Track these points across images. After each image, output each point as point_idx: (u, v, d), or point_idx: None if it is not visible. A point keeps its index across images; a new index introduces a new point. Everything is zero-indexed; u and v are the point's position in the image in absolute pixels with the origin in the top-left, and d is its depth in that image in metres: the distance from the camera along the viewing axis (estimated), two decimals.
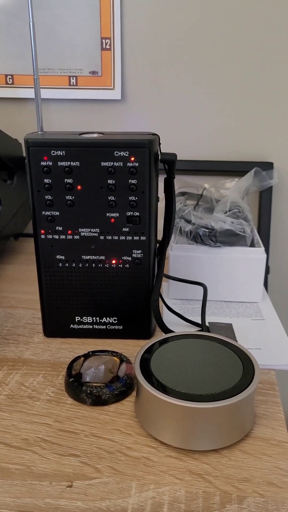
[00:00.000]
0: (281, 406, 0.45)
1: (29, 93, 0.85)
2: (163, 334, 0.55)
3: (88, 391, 0.45)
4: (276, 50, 0.81)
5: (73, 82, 0.83)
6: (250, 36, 0.81)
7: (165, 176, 0.52)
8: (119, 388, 0.46)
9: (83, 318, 0.55)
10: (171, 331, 0.55)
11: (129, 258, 0.52)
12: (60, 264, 0.53)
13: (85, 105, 0.86)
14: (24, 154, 0.49)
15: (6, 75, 0.84)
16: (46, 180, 0.49)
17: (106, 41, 0.81)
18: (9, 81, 0.84)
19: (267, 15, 0.79)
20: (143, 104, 0.86)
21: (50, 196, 0.50)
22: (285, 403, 0.48)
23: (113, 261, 0.53)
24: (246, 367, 0.43)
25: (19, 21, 0.81)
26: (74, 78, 0.83)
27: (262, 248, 0.64)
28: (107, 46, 0.81)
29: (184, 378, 0.41)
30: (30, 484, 0.37)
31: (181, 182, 0.87)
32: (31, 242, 0.86)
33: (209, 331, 0.57)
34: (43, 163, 0.49)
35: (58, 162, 0.49)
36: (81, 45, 0.81)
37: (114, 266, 0.53)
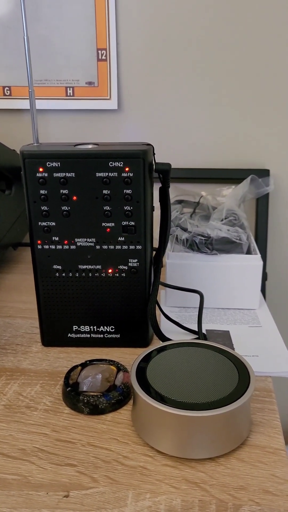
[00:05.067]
0: (278, 413, 0.46)
1: (27, 104, 0.85)
2: (161, 342, 0.56)
3: (85, 401, 0.45)
4: (270, 58, 0.82)
5: (70, 93, 0.84)
6: (244, 44, 0.82)
7: (160, 186, 0.53)
8: (116, 397, 0.46)
9: (81, 327, 0.56)
10: (168, 339, 0.55)
11: (125, 267, 0.53)
12: (57, 274, 0.53)
13: (82, 115, 0.87)
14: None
15: (3, 87, 0.85)
16: (42, 191, 0.50)
17: (102, 52, 0.82)
18: (7, 92, 0.85)
19: (261, 25, 0.80)
20: (140, 114, 0.86)
21: (46, 207, 0.51)
22: (281, 410, 0.48)
23: (110, 270, 0.53)
24: (242, 375, 0.43)
25: (16, 33, 0.82)
26: (71, 88, 0.84)
27: (259, 255, 0.64)
28: (103, 57, 0.82)
29: (180, 387, 0.41)
30: (27, 494, 0.37)
31: (178, 190, 0.87)
32: (29, 251, 0.86)
33: (206, 339, 0.57)
34: (38, 175, 0.49)
35: (54, 174, 0.49)
36: (77, 56, 0.82)
37: (111, 275, 0.53)
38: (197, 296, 0.63)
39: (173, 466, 0.39)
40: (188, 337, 0.58)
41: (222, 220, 0.68)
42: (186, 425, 0.39)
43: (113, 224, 0.51)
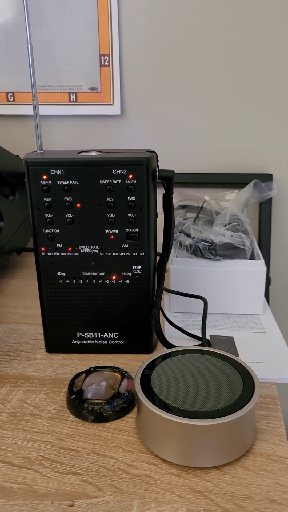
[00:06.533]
0: (283, 420, 0.45)
1: (30, 110, 0.86)
2: (164, 348, 0.56)
3: (90, 408, 0.45)
4: (272, 64, 0.82)
5: (73, 99, 0.85)
6: (247, 49, 0.82)
7: (164, 191, 0.53)
8: (120, 405, 0.46)
9: (85, 333, 0.56)
10: (172, 346, 0.55)
11: (129, 274, 0.53)
12: (61, 281, 0.53)
13: (85, 121, 0.87)
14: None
15: (7, 93, 0.86)
16: (45, 199, 0.50)
17: (105, 58, 0.82)
18: (10, 98, 0.86)
19: (265, 30, 0.80)
20: (143, 119, 0.87)
21: (50, 214, 0.51)
22: (286, 418, 0.48)
23: (113, 277, 0.53)
24: (246, 382, 0.43)
25: (19, 39, 0.83)
26: (74, 94, 0.84)
27: (262, 261, 0.64)
28: (106, 63, 0.82)
29: (184, 395, 0.41)
30: (32, 503, 0.37)
31: (181, 195, 0.87)
32: (33, 257, 0.86)
33: (210, 345, 0.57)
34: (42, 182, 0.49)
35: (57, 181, 0.49)
36: (80, 62, 0.83)
37: (114, 282, 0.53)
38: (201, 302, 0.63)
39: (178, 474, 0.39)
40: (192, 343, 0.57)
41: (225, 226, 0.68)
42: (190, 434, 0.39)
43: (116, 231, 0.51)
